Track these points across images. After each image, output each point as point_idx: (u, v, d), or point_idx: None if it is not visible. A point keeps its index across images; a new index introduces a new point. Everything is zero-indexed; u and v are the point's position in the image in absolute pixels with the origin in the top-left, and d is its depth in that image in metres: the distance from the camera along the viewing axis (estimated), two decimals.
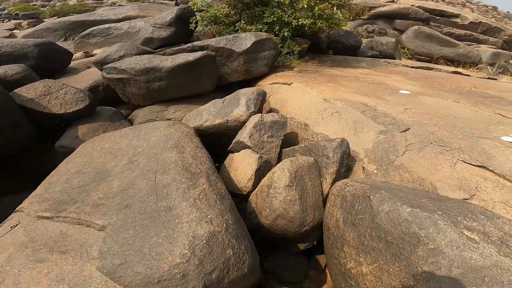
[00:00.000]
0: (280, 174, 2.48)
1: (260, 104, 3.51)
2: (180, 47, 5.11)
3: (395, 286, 1.60)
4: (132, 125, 4.07)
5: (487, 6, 31.29)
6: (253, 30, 5.81)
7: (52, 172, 2.58)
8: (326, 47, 8.22)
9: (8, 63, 4.70)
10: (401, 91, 4.14)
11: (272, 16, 5.80)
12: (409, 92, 4.09)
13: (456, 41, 12.74)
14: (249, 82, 5.32)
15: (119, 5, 14.20)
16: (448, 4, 20.80)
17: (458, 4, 24.27)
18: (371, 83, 4.62)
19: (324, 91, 4.07)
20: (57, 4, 17.59)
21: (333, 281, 2.20)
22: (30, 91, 3.58)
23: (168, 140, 2.67)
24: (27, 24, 14.08)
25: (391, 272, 1.63)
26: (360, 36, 11.31)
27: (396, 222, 1.67)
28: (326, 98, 3.81)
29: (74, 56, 7.08)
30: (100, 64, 4.85)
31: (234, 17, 6.30)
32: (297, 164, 2.54)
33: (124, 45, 5.18)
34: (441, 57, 11.92)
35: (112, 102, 4.70)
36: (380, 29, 13.80)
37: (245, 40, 5.01)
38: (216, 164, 2.78)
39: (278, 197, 2.42)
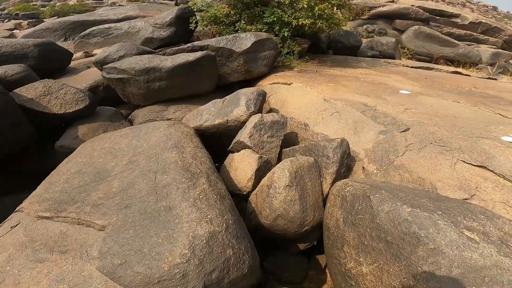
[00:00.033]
0: (280, 174, 2.48)
1: (260, 104, 3.51)
2: (180, 47, 5.11)
3: (395, 286, 1.60)
4: (132, 125, 4.07)
5: (487, 6, 31.29)
6: (253, 30, 5.81)
7: (52, 172, 2.58)
8: (326, 47, 8.22)
9: (8, 63, 4.70)
10: (401, 91, 4.14)
11: (272, 16, 5.80)
12: (409, 92, 4.09)
13: (456, 41, 12.74)
14: (249, 82, 5.32)
15: (119, 5, 14.20)
16: (448, 4, 20.80)
17: (458, 4, 24.27)
18: (371, 83, 4.62)
19: (324, 91, 4.07)
20: (57, 4, 17.59)
21: (333, 281, 2.20)
22: (30, 91, 3.58)
23: (168, 140, 2.67)
24: (27, 24, 14.08)
25: (391, 272, 1.63)
26: (360, 36, 11.31)
27: (396, 222, 1.67)
28: (326, 98, 3.81)
29: (74, 56, 7.08)
30: (100, 64, 4.85)
31: (234, 17, 6.30)
32: (297, 164, 2.54)
33: (124, 45, 5.18)
34: (441, 57, 11.92)
35: (112, 102, 4.70)
36: (380, 29, 13.80)
37: (245, 40, 5.01)
38: (216, 164, 2.78)
39: (278, 197, 2.42)
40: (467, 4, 26.51)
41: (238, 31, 5.93)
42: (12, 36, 11.16)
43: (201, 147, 2.77)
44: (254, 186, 2.74)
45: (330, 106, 3.61)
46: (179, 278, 1.58)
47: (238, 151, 3.02)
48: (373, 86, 4.39)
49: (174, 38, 6.67)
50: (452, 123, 2.91)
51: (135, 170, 2.34)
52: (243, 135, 3.01)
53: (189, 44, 5.08)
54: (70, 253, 1.72)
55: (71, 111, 3.64)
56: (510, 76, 10.12)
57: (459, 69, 8.44)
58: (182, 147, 2.59)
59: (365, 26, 13.79)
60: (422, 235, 1.56)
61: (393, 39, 9.78)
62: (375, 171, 2.67)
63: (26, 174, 3.54)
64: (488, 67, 11.57)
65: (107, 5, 15.65)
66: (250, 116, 3.26)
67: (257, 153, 2.91)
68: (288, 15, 5.80)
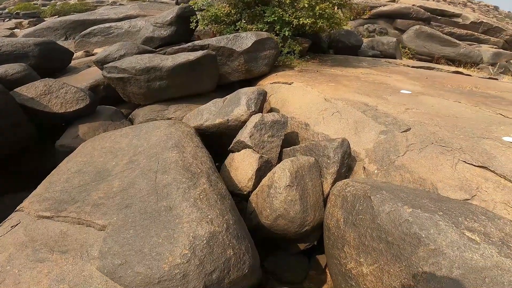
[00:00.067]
0: (281, 174, 2.48)
1: (261, 103, 3.50)
2: (181, 46, 5.11)
3: (396, 287, 1.60)
4: (132, 124, 4.07)
5: (488, 6, 31.21)
6: (253, 30, 5.81)
7: (53, 172, 2.58)
8: (327, 47, 8.21)
9: (9, 62, 4.69)
10: (402, 91, 4.13)
11: (272, 16, 5.79)
12: (410, 92, 4.08)
13: (457, 41, 12.72)
14: (250, 81, 5.31)
15: (120, 4, 14.20)
16: (449, 4, 20.75)
17: (459, 3, 24.22)
18: (372, 83, 4.61)
19: (325, 90, 4.07)
20: (57, 3, 17.58)
21: (333, 281, 2.20)
22: (31, 90, 3.58)
23: (169, 140, 2.66)
24: (28, 23, 14.08)
25: (391, 273, 1.63)
26: (361, 35, 11.29)
27: (397, 223, 1.67)
28: (327, 97, 3.81)
29: (74, 55, 7.08)
30: (101, 63, 4.84)
31: (235, 16, 6.29)
32: (298, 164, 2.54)
33: (124, 44, 5.18)
34: (442, 57, 11.89)
35: (113, 101, 4.70)
36: (381, 28, 13.78)
37: (246, 39, 5.01)
38: (217, 164, 2.78)
39: (278, 197, 2.42)
40: (468, 4, 26.45)
41: (239, 31, 5.92)
42: (12, 35, 11.16)
43: (202, 146, 2.77)
44: (255, 186, 2.74)
45: (331, 105, 3.60)
46: (180, 279, 1.57)
47: (238, 150, 3.02)
48: (374, 86, 4.39)
49: (175, 38, 6.66)
50: (453, 123, 2.90)
51: (135, 169, 2.34)
52: (243, 135, 3.01)
53: (189, 44, 5.08)
54: (70, 253, 1.72)
55: (71, 110, 3.64)
56: (511, 76, 10.09)
57: (460, 69, 8.42)
58: (182, 146, 2.59)
59: (366, 26, 13.77)
60: (423, 235, 1.55)
61: (394, 39, 9.76)
62: (376, 171, 2.66)
63: (26, 173, 3.54)
64: (489, 67, 11.54)
65: (107, 4, 15.65)
66: (250, 115, 3.26)
67: (258, 152, 2.91)
68: (289, 15, 5.79)
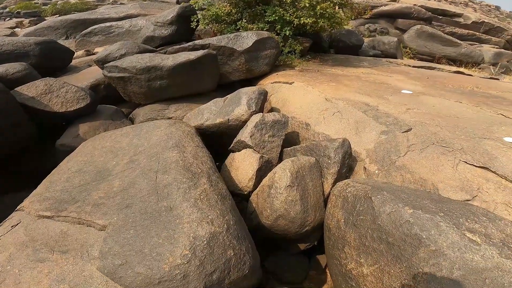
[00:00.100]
0: (281, 174, 2.48)
1: (261, 103, 3.50)
2: (182, 45, 5.10)
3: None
4: (133, 123, 4.07)
5: (489, 6, 31.12)
6: (254, 29, 5.80)
7: (53, 171, 2.58)
8: (327, 46, 8.20)
9: (10, 61, 4.69)
10: (403, 91, 4.12)
11: (273, 15, 5.79)
12: (411, 92, 4.08)
13: (459, 41, 12.68)
14: (250, 81, 5.31)
15: (121, 4, 14.19)
16: (450, 4, 20.70)
17: (460, 3, 24.15)
18: (373, 83, 4.60)
19: (326, 90, 4.06)
20: (58, 3, 17.57)
21: (334, 281, 2.19)
22: (31, 90, 3.58)
23: (169, 139, 2.66)
24: (29, 23, 14.07)
25: (392, 274, 1.62)
26: (362, 35, 11.26)
27: (398, 224, 1.67)
28: (327, 97, 3.80)
29: (75, 55, 7.07)
30: (101, 62, 4.84)
31: (236, 15, 6.29)
32: (299, 164, 2.54)
33: (125, 43, 5.18)
34: (443, 57, 11.86)
35: (113, 100, 4.70)
36: (382, 28, 13.76)
37: (247, 39, 5.00)
38: (217, 164, 2.78)
39: (279, 197, 2.42)
40: (470, 3, 26.38)
41: (240, 30, 5.92)
42: (13, 34, 11.16)
43: (202, 146, 2.77)
44: (255, 186, 2.74)
45: (332, 105, 3.60)
46: (180, 279, 1.57)
47: (239, 150, 3.02)
48: (375, 86, 4.38)
49: (176, 37, 6.65)
50: (454, 124, 2.90)
51: (136, 169, 2.34)
52: (244, 135, 3.00)
53: (190, 43, 5.07)
54: (70, 253, 1.72)
55: (72, 109, 3.64)
56: None
57: (461, 69, 8.41)
58: (183, 146, 2.58)
59: (367, 25, 13.75)
60: (424, 236, 1.55)
61: (395, 39, 9.74)
62: (376, 171, 2.66)
63: (27, 173, 3.54)
64: (491, 67, 11.52)
65: (108, 4, 15.64)
66: (251, 115, 3.25)
67: (258, 152, 2.91)
68: (290, 14, 5.78)
